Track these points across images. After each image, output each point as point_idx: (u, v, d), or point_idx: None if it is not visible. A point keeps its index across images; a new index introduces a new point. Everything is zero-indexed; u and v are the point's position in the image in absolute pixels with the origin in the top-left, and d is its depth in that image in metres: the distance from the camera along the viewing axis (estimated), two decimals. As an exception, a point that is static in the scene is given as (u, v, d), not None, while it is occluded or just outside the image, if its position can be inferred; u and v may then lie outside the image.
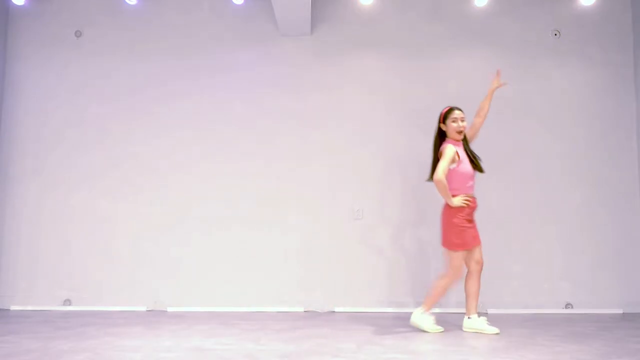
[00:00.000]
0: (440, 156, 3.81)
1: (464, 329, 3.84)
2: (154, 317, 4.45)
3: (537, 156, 5.00)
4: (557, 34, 5.11)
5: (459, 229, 3.74)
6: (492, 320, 4.20)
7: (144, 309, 4.89)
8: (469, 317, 3.85)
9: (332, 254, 4.93)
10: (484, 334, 3.73)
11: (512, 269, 4.88)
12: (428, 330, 3.78)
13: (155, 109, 5.12)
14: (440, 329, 3.81)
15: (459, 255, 3.76)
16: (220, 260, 4.96)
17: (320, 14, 5.15)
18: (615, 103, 5.05)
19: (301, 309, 4.86)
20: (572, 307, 4.83)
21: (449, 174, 3.77)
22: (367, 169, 5.01)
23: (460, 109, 3.93)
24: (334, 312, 4.82)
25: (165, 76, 5.15)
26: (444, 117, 3.92)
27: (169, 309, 4.87)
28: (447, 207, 3.81)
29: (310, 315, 4.60)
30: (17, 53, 5.22)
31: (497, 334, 3.70)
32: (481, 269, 3.90)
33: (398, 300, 4.87)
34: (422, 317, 3.83)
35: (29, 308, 4.92)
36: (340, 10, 5.17)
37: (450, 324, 4.16)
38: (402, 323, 4.17)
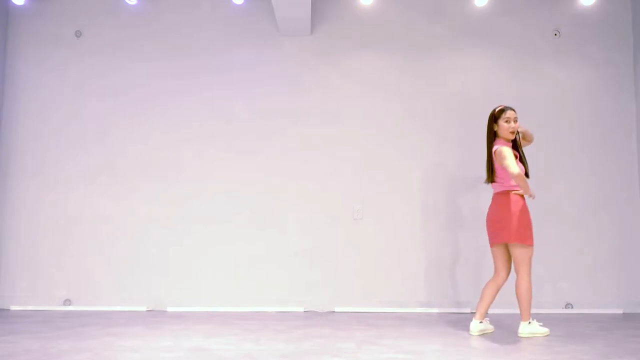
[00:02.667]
0: (495, 157, 3.74)
1: (473, 333, 3.76)
2: (154, 317, 4.45)
3: (536, 156, 4.99)
4: (557, 34, 5.11)
5: (530, 221, 3.69)
6: (493, 320, 4.20)
7: (144, 309, 4.89)
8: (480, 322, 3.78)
9: (332, 254, 4.92)
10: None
11: (512, 269, 4.87)
12: (542, 334, 3.65)
13: (155, 108, 5.12)
14: (546, 330, 3.70)
15: (531, 250, 3.67)
16: (221, 260, 4.96)
17: (320, 14, 5.15)
18: (615, 103, 5.05)
19: (301, 309, 4.86)
20: (572, 307, 4.83)
21: (505, 172, 3.70)
22: (367, 169, 5.01)
23: (513, 109, 3.82)
24: (334, 312, 4.82)
25: (165, 76, 5.15)
26: (496, 117, 3.82)
27: (169, 309, 4.87)
28: (515, 201, 3.69)
29: (310, 315, 4.60)
30: (17, 53, 5.22)
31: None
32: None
33: (398, 300, 4.87)
34: (530, 327, 3.66)
35: (29, 308, 4.92)
36: (340, 10, 5.17)
37: (449, 324, 4.16)
38: (402, 323, 4.17)
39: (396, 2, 5.17)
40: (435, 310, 4.81)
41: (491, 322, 3.94)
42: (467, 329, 3.87)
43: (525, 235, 3.64)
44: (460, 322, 4.25)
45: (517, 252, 3.67)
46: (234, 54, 5.16)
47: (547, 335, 3.66)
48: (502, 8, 5.13)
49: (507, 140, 3.80)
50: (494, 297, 3.81)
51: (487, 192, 4.95)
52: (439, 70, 5.11)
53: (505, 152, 3.67)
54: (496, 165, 3.76)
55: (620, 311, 4.81)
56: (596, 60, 5.08)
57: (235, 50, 5.16)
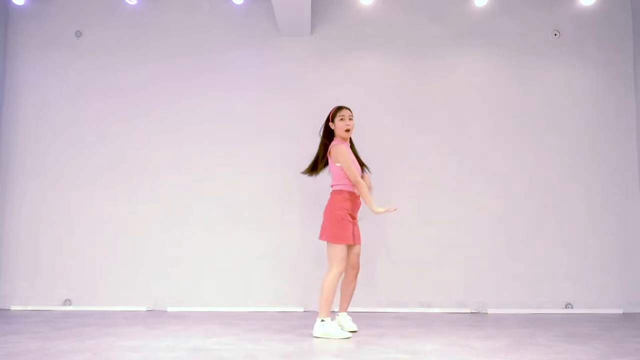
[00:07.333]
0: (330, 155, 3.78)
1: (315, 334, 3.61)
2: (154, 317, 4.45)
3: (536, 156, 5.00)
4: (557, 34, 5.10)
5: (341, 220, 3.67)
6: (493, 320, 4.20)
7: (144, 309, 4.89)
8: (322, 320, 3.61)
9: (332, 254, 4.91)
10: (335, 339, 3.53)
11: (513, 269, 4.88)
12: (336, 337, 3.51)
13: (155, 108, 5.12)
14: (347, 334, 3.56)
15: (340, 249, 3.65)
16: (221, 260, 4.95)
17: (320, 14, 5.15)
18: (615, 103, 5.05)
19: (301, 309, 4.86)
20: (572, 307, 4.83)
21: (339, 170, 3.74)
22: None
23: (348, 108, 3.86)
24: (334, 312, 4.81)
25: (165, 76, 5.14)
26: (333, 116, 3.85)
27: (169, 309, 4.87)
28: (333, 200, 3.74)
29: (310, 315, 4.59)
30: (17, 53, 5.22)
31: (347, 338, 3.54)
32: (357, 274, 3.86)
33: (398, 300, 4.87)
34: (324, 326, 3.56)
35: (29, 308, 4.92)
36: (341, 10, 5.17)
37: (449, 324, 4.16)
38: (402, 323, 4.17)
39: (396, 2, 5.17)
40: (435, 310, 4.81)
41: (491, 321, 3.93)
42: (467, 329, 3.87)
43: (332, 232, 3.65)
44: (460, 322, 4.25)
45: (329, 249, 3.68)
46: (234, 54, 5.16)
47: (347, 338, 3.50)
48: (502, 8, 5.13)
49: (344, 139, 3.82)
50: (353, 290, 3.88)
51: (487, 193, 4.96)
52: (439, 70, 5.11)
53: (344, 153, 3.73)
54: (330, 163, 3.80)
55: (620, 311, 4.80)
56: (596, 60, 5.08)
57: (235, 50, 5.16)
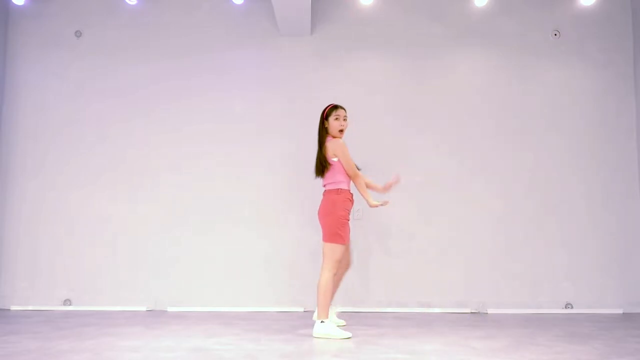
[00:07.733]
0: (326, 150, 3.72)
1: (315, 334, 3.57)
2: (154, 317, 4.45)
3: (536, 156, 5.00)
4: (557, 34, 5.11)
5: (345, 222, 3.66)
6: (493, 320, 4.19)
7: (144, 309, 4.89)
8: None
9: (332, 254, 4.91)
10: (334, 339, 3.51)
11: (513, 269, 4.88)
12: (336, 337, 3.48)
13: (155, 108, 5.12)
14: (347, 334, 3.51)
15: (340, 249, 3.64)
16: (221, 260, 4.95)
17: (320, 14, 5.15)
18: (615, 103, 5.05)
19: (301, 309, 4.86)
20: (572, 307, 4.83)
21: (337, 166, 3.70)
22: (367, 169, 4.99)
23: (344, 108, 3.81)
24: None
25: (165, 76, 5.14)
26: (327, 114, 3.78)
27: (169, 309, 4.87)
28: (334, 200, 3.67)
29: (310, 315, 4.59)
30: (17, 53, 5.22)
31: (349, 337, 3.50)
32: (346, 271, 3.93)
33: (398, 300, 4.87)
34: (324, 326, 3.54)
35: (29, 308, 4.92)
36: (341, 10, 5.17)
37: (449, 324, 4.16)
38: (402, 323, 4.17)
39: (396, 2, 5.17)
40: (435, 310, 4.81)
41: (491, 321, 3.93)
42: (467, 329, 3.86)
43: (336, 233, 3.62)
44: (460, 322, 4.25)
45: (327, 249, 3.65)
46: (234, 54, 5.16)
47: (347, 338, 3.48)
48: (502, 8, 5.13)
49: (337, 138, 3.76)
50: (337, 288, 3.89)
51: (487, 193, 4.96)
52: (439, 70, 5.11)
53: (343, 148, 3.68)
54: (328, 159, 3.72)
55: (620, 311, 4.81)
56: (596, 60, 5.08)
57: (235, 50, 5.16)
